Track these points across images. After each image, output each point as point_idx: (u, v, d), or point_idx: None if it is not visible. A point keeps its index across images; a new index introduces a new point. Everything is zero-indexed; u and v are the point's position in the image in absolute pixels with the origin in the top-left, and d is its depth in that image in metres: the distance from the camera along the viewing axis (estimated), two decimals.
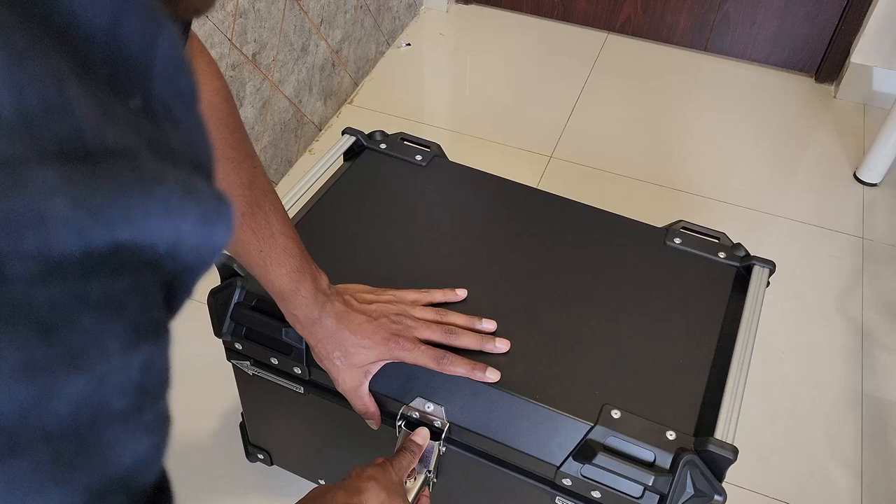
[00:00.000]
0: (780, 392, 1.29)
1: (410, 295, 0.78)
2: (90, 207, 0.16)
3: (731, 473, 0.70)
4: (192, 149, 0.20)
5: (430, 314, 0.76)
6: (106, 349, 0.17)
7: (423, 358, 0.72)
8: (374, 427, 0.78)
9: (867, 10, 1.74)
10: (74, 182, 0.16)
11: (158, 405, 0.20)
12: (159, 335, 0.19)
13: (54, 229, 0.15)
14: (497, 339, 0.76)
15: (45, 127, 0.15)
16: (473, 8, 2.16)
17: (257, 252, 0.67)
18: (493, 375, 0.73)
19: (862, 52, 1.69)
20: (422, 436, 0.75)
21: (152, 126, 0.19)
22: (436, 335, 0.74)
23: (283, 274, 0.68)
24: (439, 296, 0.79)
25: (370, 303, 0.75)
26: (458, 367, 0.72)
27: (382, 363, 0.73)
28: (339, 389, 0.76)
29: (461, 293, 0.80)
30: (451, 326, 0.75)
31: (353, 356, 0.72)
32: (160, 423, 0.20)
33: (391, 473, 0.68)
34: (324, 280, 0.72)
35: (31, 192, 0.15)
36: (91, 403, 0.17)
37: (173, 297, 0.21)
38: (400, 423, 0.77)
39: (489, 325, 0.77)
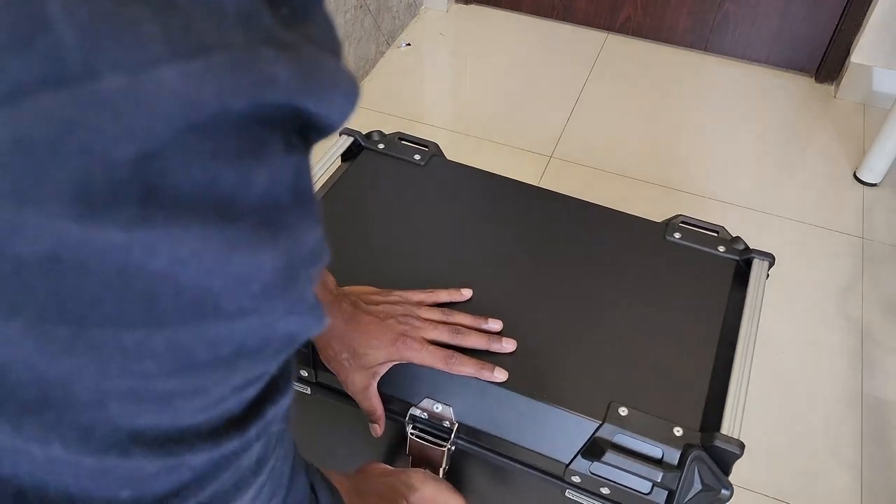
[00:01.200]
0: (781, 392, 1.29)
1: (416, 295, 0.78)
2: (301, 77, 0.23)
3: (732, 473, 0.70)
4: (328, 39, 0.26)
5: (436, 314, 0.76)
6: (273, 149, 0.24)
7: (431, 358, 0.72)
8: (377, 433, 0.78)
9: (867, 10, 1.74)
10: (287, 60, 0.23)
11: (313, 201, 0.27)
12: (304, 152, 0.27)
13: (279, 88, 0.22)
14: (504, 338, 0.76)
15: (255, 20, 0.22)
16: (473, 8, 2.16)
17: None
18: (500, 375, 0.73)
19: (862, 52, 1.69)
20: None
21: (302, 25, 0.25)
22: (443, 335, 0.73)
23: None
24: (444, 296, 0.79)
25: (377, 304, 0.74)
26: (466, 367, 0.72)
27: (391, 364, 0.73)
28: (348, 391, 0.76)
29: (466, 293, 0.80)
30: (457, 326, 0.75)
31: (361, 357, 0.72)
32: (316, 221, 0.28)
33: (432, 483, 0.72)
34: (330, 281, 0.72)
35: (265, 63, 0.22)
36: (269, 192, 0.24)
37: (311, 138, 0.27)
38: (409, 425, 0.77)
39: (495, 324, 0.77)
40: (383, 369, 0.74)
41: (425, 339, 0.73)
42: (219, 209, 0.23)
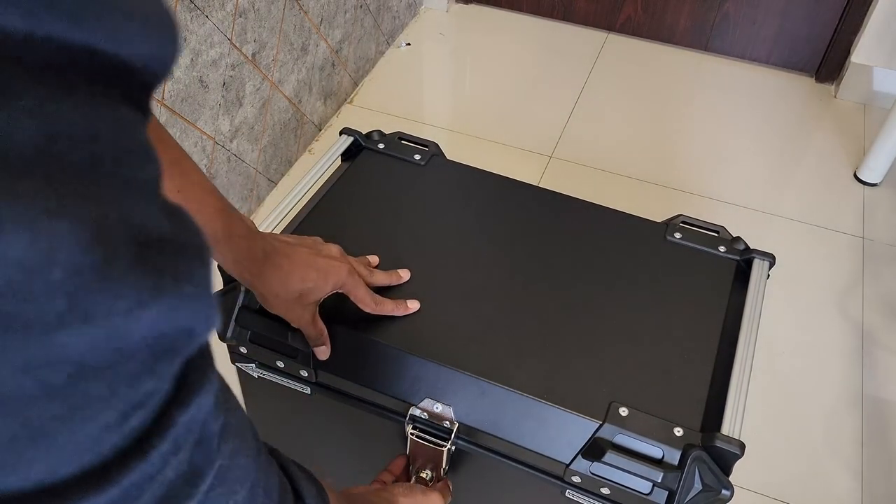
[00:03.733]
0: (781, 392, 1.29)
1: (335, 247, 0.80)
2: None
3: (732, 473, 0.70)
4: None
5: (353, 258, 0.79)
6: (49, 93, 0.20)
7: (358, 288, 0.74)
8: (325, 356, 0.78)
9: (867, 10, 1.74)
10: None
11: (140, 162, 0.23)
12: (120, 105, 0.22)
13: (17, 8, 0.19)
14: (409, 301, 0.79)
15: None
16: (473, 8, 2.16)
17: (176, 191, 0.62)
18: (414, 304, 0.79)
19: (862, 52, 1.69)
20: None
21: None
22: (360, 269, 0.77)
23: (211, 213, 0.64)
24: (375, 259, 0.84)
25: (302, 243, 0.74)
26: (386, 306, 0.77)
27: (331, 287, 0.73)
28: (294, 324, 0.75)
29: (404, 273, 0.83)
30: (370, 268, 0.80)
31: (311, 294, 0.71)
32: (148, 186, 0.23)
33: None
34: (249, 222, 0.70)
35: None
36: (56, 146, 0.20)
37: (135, 91, 0.23)
38: (409, 425, 0.77)
39: (405, 273, 0.82)
40: (324, 296, 0.73)
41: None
42: None
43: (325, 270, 0.71)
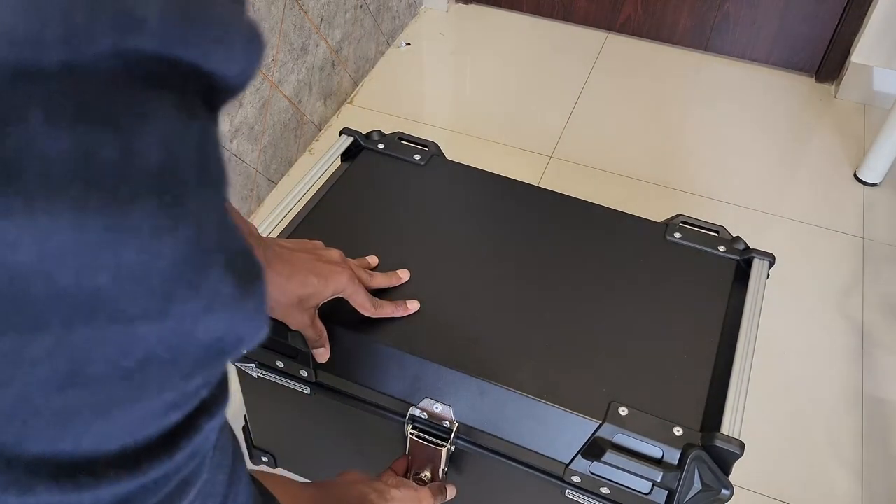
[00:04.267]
0: (781, 392, 1.29)
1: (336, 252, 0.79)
2: (177, 20, 0.20)
3: (732, 473, 0.70)
4: None
5: (360, 271, 0.79)
6: (162, 113, 0.21)
7: (358, 293, 0.74)
8: (325, 358, 0.78)
9: (867, 10, 1.74)
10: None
11: (222, 178, 0.24)
12: (209, 119, 0.23)
13: (147, 31, 0.20)
14: (409, 301, 0.80)
15: None
16: (473, 8, 2.16)
17: None
18: (413, 305, 0.79)
19: (862, 52, 1.69)
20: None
21: None
22: (361, 273, 0.78)
23: None
24: (374, 260, 0.84)
25: (302, 248, 0.74)
26: (386, 308, 0.77)
27: (329, 292, 0.73)
28: (293, 327, 0.75)
29: (403, 274, 0.83)
30: (370, 272, 0.81)
31: (309, 299, 0.71)
32: (225, 203, 0.25)
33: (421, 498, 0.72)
34: (253, 227, 0.71)
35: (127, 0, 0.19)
36: (164, 166, 0.21)
37: (213, 103, 0.24)
38: (409, 425, 0.77)
39: (405, 274, 0.83)
40: (327, 298, 0.73)
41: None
42: (98, 188, 0.19)
43: (325, 276, 0.71)
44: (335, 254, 0.75)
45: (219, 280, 0.23)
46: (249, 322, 0.25)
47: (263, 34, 0.25)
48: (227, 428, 0.32)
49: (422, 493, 0.73)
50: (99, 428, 0.23)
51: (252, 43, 0.24)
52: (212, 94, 0.23)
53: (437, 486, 0.77)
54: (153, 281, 0.21)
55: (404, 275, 0.83)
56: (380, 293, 0.80)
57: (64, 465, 0.22)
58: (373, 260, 0.84)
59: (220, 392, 0.28)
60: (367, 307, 0.75)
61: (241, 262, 0.25)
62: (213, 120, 0.24)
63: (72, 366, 0.21)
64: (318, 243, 0.77)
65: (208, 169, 0.23)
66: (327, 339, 0.77)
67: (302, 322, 0.73)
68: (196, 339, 0.23)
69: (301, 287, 0.70)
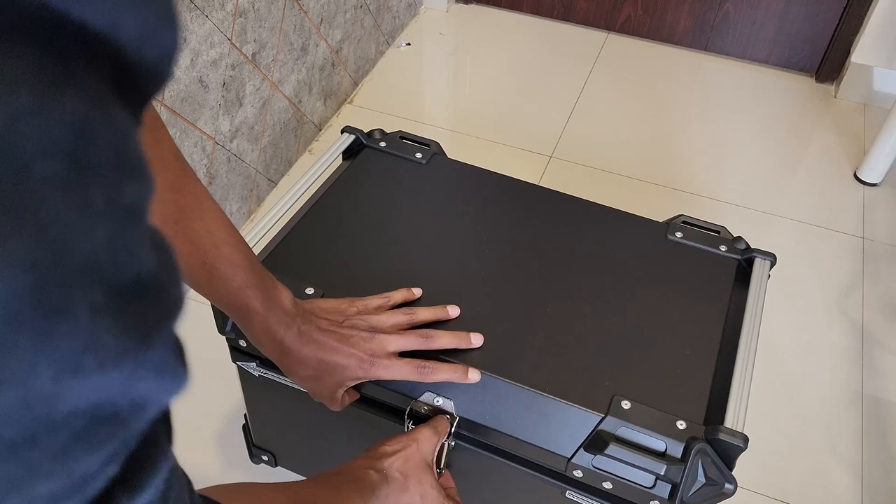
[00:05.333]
0: (781, 392, 1.28)
1: (374, 301, 0.76)
2: None
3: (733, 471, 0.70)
4: None
5: (399, 316, 0.74)
6: (9, 78, 0.15)
7: (402, 372, 0.71)
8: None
9: (867, 10, 1.74)
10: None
11: (119, 179, 0.18)
12: (103, 103, 0.17)
13: None
14: (472, 334, 0.75)
15: None
16: (473, 8, 2.16)
17: (200, 265, 0.60)
18: (474, 376, 0.72)
19: (862, 52, 1.69)
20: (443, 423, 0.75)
21: None
22: (411, 343, 0.72)
23: (234, 290, 0.63)
24: (399, 297, 0.78)
25: (340, 322, 0.71)
26: (440, 375, 0.71)
27: (360, 381, 0.73)
28: (315, 399, 0.75)
29: (417, 291, 0.79)
30: (425, 330, 0.74)
31: (328, 377, 0.70)
32: (125, 212, 0.18)
33: (413, 443, 0.70)
34: (285, 297, 0.68)
35: None
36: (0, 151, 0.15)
37: (121, 84, 0.19)
38: (409, 421, 0.77)
39: (454, 311, 0.77)
40: (352, 383, 0.73)
41: (393, 353, 0.71)
42: None
43: (330, 372, 0.70)
44: (362, 337, 0.70)
45: (87, 326, 0.16)
46: (154, 380, 0.18)
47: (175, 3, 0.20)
48: (178, 477, 0.25)
49: (418, 434, 0.72)
50: None
51: (161, 8, 0.19)
52: (123, 75, 0.18)
53: (435, 421, 0.75)
54: None
55: (454, 311, 0.77)
56: (373, 287, 0.79)
57: None
58: (416, 291, 0.79)
59: (146, 458, 0.21)
60: (408, 377, 0.71)
61: (144, 292, 0.18)
62: (108, 102, 0.18)
63: None
64: (361, 306, 0.74)
65: (91, 161, 0.17)
66: (348, 404, 0.76)
67: (323, 396, 0.73)
68: (61, 409, 0.17)
69: (315, 373, 0.70)
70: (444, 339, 0.73)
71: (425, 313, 0.76)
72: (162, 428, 0.22)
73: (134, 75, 0.19)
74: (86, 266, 0.16)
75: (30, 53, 0.16)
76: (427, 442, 0.71)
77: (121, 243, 0.17)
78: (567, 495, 0.77)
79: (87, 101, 0.17)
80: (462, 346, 0.74)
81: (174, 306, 0.19)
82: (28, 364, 0.16)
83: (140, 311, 0.18)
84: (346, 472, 0.64)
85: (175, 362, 0.19)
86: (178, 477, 0.25)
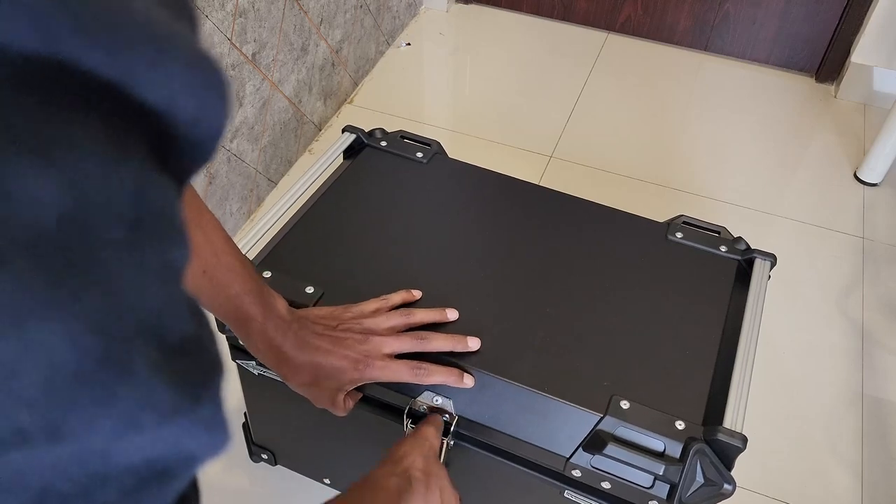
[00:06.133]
0: (781, 392, 1.28)
1: (370, 305, 0.76)
2: (74, 14, 0.16)
3: (732, 470, 0.70)
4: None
5: (395, 318, 0.74)
6: (72, 143, 0.16)
7: (397, 374, 0.71)
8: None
9: (867, 10, 1.74)
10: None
11: (167, 243, 0.19)
12: (153, 168, 0.18)
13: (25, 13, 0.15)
14: (468, 337, 0.75)
15: None
16: (473, 8, 2.16)
17: (201, 273, 0.62)
18: (469, 381, 0.72)
19: (862, 52, 1.69)
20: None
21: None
22: (406, 345, 0.72)
23: (233, 297, 0.64)
24: (397, 299, 0.78)
25: (334, 326, 0.72)
26: (436, 376, 0.72)
27: (357, 384, 0.73)
28: (315, 405, 0.75)
29: (416, 293, 0.79)
30: (421, 332, 0.74)
31: (324, 382, 0.70)
32: (173, 274, 0.19)
33: (425, 441, 0.70)
34: (281, 304, 0.69)
35: None
36: (75, 216, 0.16)
37: (170, 156, 0.20)
38: (408, 420, 0.77)
39: (452, 314, 0.77)
40: (350, 387, 0.73)
41: (388, 355, 0.71)
42: None
43: (326, 377, 0.70)
44: (356, 340, 0.70)
45: (146, 383, 0.17)
46: (205, 436, 0.19)
47: (226, 77, 0.20)
48: None
49: (425, 432, 0.72)
50: None
51: (210, 79, 0.19)
52: (163, 143, 0.19)
53: (433, 419, 0.76)
54: (31, 388, 0.15)
55: (452, 314, 0.77)
56: (374, 288, 0.79)
57: None
58: (416, 293, 0.79)
59: None
60: (403, 378, 0.71)
61: (192, 353, 0.19)
62: (159, 170, 0.18)
63: None
64: (357, 311, 0.74)
65: (148, 225, 0.17)
66: (352, 408, 0.76)
67: (323, 402, 0.73)
68: (116, 464, 0.17)
69: (312, 378, 0.70)
70: (439, 342, 0.73)
71: (423, 315, 0.76)
72: (193, 491, 0.22)
73: (183, 149, 0.20)
74: (144, 324, 0.17)
75: (98, 124, 0.16)
76: (435, 439, 0.72)
77: (171, 303, 0.18)
78: (566, 495, 0.77)
79: (145, 171, 0.18)
80: (458, 349, 0.74)
81: (217, 364, 0.20)
82: (88, 420, 0.16)
83: (189, 370, 0.18)
84: (368, 486, 0.64)
85: (223, 419, 0.20)
86: None
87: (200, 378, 0.19)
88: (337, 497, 0.60)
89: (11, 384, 0.15)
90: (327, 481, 1.02)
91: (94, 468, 0.17)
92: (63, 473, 0.16)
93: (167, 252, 0.18)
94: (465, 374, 0.72)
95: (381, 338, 0.71)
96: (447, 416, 0.76)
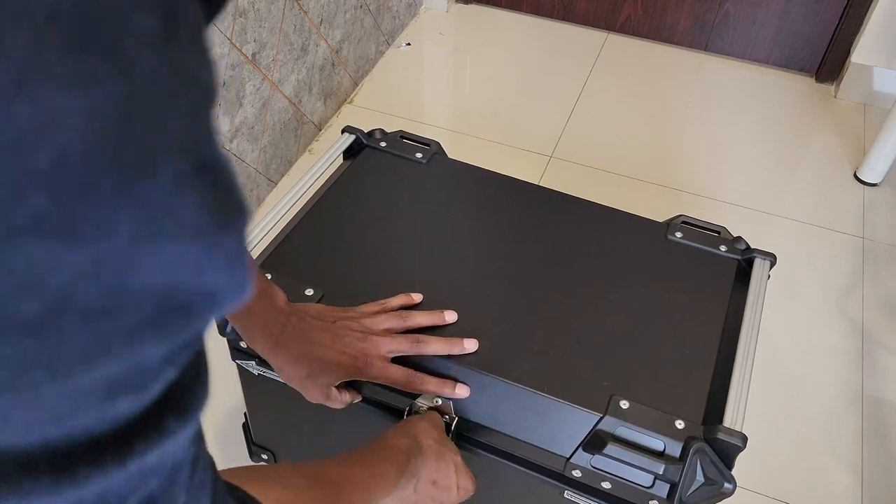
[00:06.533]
0: (781, 392, 1.29)
1: (369, 308, 0.76)
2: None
3: (732, 470, 0.70)
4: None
5: (393, 320, 0.74)
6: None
7: (392, 378, 0.71)
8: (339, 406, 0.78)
9: (867, 10, 1.74)
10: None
11: (198, 60, 0.18)
12: None
13: None
14: (465, 339, 0.75)
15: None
16: (473, 8, 2.16)
17: None
18: (462, 391, 0.73)
19: (862, 52, 1.69)
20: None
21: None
22: (403, 347, 0.72)
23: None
24: (397, 302, 0.77)
25: (332, 322, 0.72)
26: (428, 386, 0.72)
27: (350, 380, 0.73)
28: (310, 400, 0.75)
29: (417, 297, 0.79)
30: (417, 335, 0.74)
31: (319, 376, 0.70)
32: (205, 99, 0.18)
33: (439, 421, 0.71)
34: (280, 297, 0.69)
35: None
36: None
37: None
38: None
39: (451, 316, 0.77)
40: (340, 381, 0.73)
41: (386, 356, 0.71)
42: None
43: (321, 371, 0.69)
44: (355, 337, 0.70)
45: (170, 191, 0.17)
46: (223, 268, 0.18)
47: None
48: (204, 445, 0.25)
49: (434, 415, 0.73)
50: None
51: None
52: None
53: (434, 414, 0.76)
54: (46, 164, 0.14)
55: (450, 316, 0.77)
56: (373, 288, 0.79)
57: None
58: (416, 297, 0.78)
59: (195, 382, 0.21)
60: (398, 384, 0.71)
61: (221, 183, 0.18)
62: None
63: None
64: (357, 312, 0.74)
65: (178, 27, 0.17)
66: (349, 403, 0.76)
67: (315, 396, 0.72)
68: (136, 283, 0.17)
69: (307, 371, 0.69)
70: (435, 345, 0.73)
71: (420, 318, 0.75)
72: (205, 371, 0.22)
73: None
74: (174, 130, 0.17)
75: None
76: (440, 421, 0.73)
77: (202, 120, 0.18)
78: (566, 496, 0.77)
79: None
80: (455, 352, 0.74)
81: (243, 206, 0.19)
82: (106, 218, 0.15)
83: (216, 197, 0.18)
84: (376, 443, 0.64)
85: (245, 261, 0.19)
86: (205, 450, 0.25)
87: (226, 208, 0.18)
88: (335, 457, 0.59)
89: (25, 157, 0.14)
90: None
91: (114, 283, 0.16)
92: (82, 282, 0.16)
93: (196, 66, 0.18)
94: (459, 385, 0.72)
95: (378, 338, 0.71)
96: (447, 416, 0.76)
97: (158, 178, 0.16)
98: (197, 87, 0.18)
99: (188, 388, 0.21)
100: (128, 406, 0.19)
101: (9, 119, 0.14)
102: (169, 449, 0.20)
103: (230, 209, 0.18)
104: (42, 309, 0.15)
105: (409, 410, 0.76)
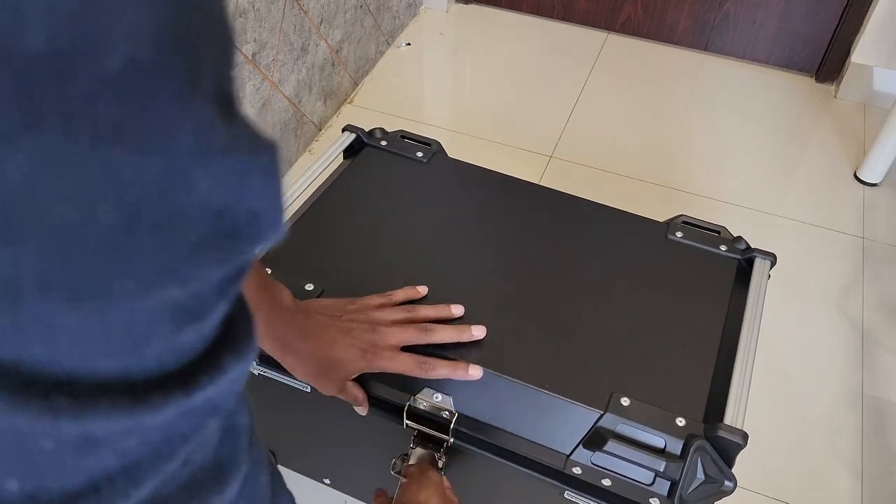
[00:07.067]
0: (781, 392, 1.28)
1: (374, 300, 0.76)
2: None
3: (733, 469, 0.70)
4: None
5: (399, 313, 0.74)
6: None
7: (403, 365, 0.71)
8: (363, 413, 0.78)
9: (867, 10, 1.74)
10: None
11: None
12: None
13: None
14: (473, 326, 0.74)
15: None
16: (473, 8, 2.16)
17: None
18: (475, 372, 0.72)
19: (862, 52, 1.69)
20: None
21: None
22: (411, 336, 0.72)
23: (253, 286, 0.64)
24: (401, 295, 0.77)
25: (338, 316, 0.72)
26: (440, 370, 0.72)
27: (363, 372, 0.73)
28: (324, 393, 0.75)
29: (422, 290, 0.79)
30: (426, 325, 0.74)
31: (330, 372, 0.70)
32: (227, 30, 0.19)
33: (430, 479, 0.72)
34: (285, 296, 0.69)
35: None
36: None
37: None
38: (408, 420, 0.77)
39: (458, 309, 0.77)
40: (354, 375, 0.73)
41: (395, 346, 0.71)
42: None
43: (332, 366, 0.70)
44: (363, 329, 0.70)
45: (217, 108, 0.18)
46: (260, 182, 0.19)
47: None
48: (254, 431, 0.27)
49: (423, 468, 0.73)
50: (77, 330, 0.17)
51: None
52: None
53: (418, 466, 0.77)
54: (112, 64, 0.15)
55: (457, 309, 0.77)
56: (371, 284, 0.79)
57: (33, 384, 0.17)
58: (422, 290, 0.78)
59: (244, 321, 0.23)
60: (411, 371, 0.71)
61: (243, 120, 0.19)
62: None
63: (8, 218, 0.15)
64: (362, 304, 0.74)
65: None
66: (365, 399, 0.75)
67: (330, 390, 0.72)
68: (195, 193, 0.17)
69: (318, 369, 0.70)
70: (443, 333, 0.73)
71: (426, 311, 0.76)
72: (250, 315, 0.23)
73: None
74: (214, 57, 0.18)
75: None
76: (434, 473, 0.74)
77: (232, 61, 0.19)
78: (566, 496, 0.76)
79: None
80: (463, 339, 0.74)
81: (268, 140, 0.20)
82: (171, 128, 0.16)
83: (247, 123, 0.19)
84: None
85: (280, 182, 0.20)
86: (259, 444, 0.27)
87: (255, 129, 0.19)
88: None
89: (102, 59, 0.15)
90: (327, 481, 1.02)
91: (176, 198, 0.17)
92: (151, 196, 0.17)
93: (226, 14, 0.19)
94: (471, 366, 0.72)
95: (387, 328, 0.71)
96: (447, 412, 0.75)
97: (205, 97, 0.17)
98: (227, 30, 0.19)
99: (239, 327, 0.22)
100: (191, 340, 0.20)
101: (88, 27, 0.15)
102: (226, 388, 0.21)
103: (258, 131, 0.20)
104: (117, 220, 0.16)
105: (409, 408, 0.76)
